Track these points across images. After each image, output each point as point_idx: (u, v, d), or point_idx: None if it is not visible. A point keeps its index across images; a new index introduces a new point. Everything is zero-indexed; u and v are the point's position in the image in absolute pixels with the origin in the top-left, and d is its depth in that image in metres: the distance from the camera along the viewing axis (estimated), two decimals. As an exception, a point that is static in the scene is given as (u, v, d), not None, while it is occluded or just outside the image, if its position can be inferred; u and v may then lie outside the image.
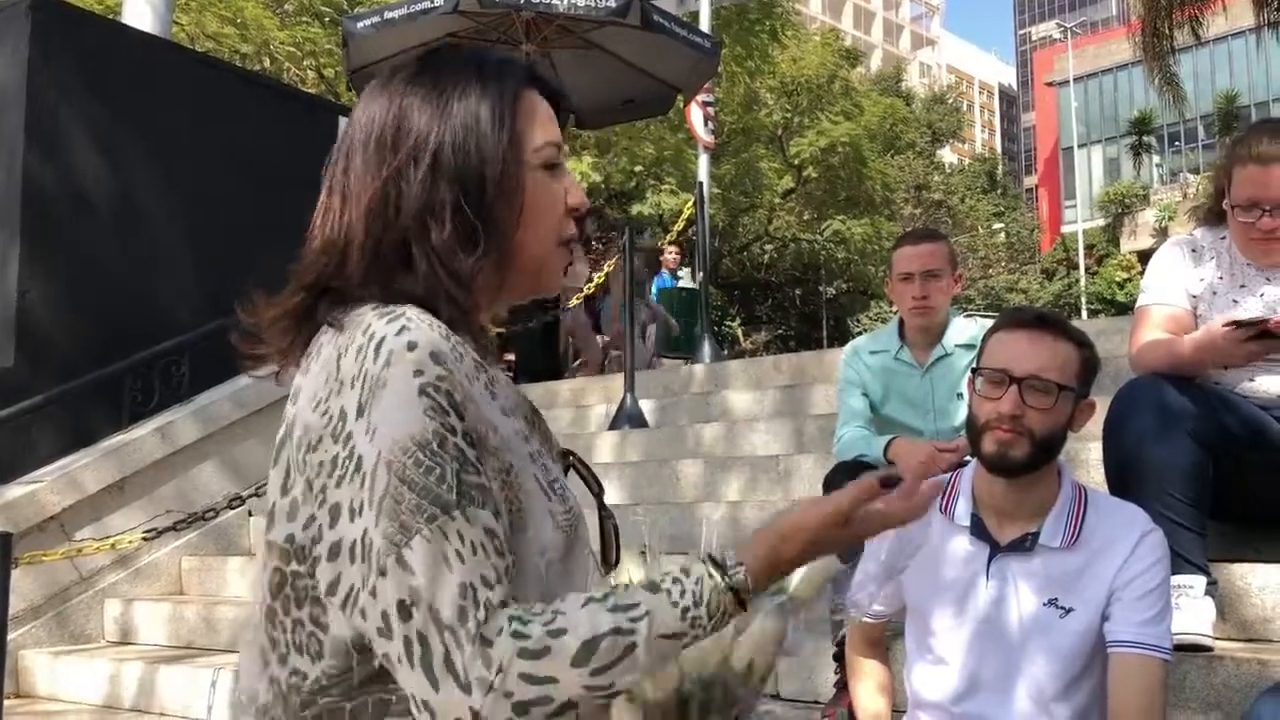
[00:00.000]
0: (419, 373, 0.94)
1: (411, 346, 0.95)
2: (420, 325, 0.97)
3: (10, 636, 3.51)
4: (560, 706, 0.89)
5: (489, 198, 1.05)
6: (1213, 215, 2.61)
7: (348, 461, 0.94)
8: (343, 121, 5.82)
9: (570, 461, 1.18)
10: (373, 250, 1.04)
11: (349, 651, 0.97)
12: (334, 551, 0.95)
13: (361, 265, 1.04)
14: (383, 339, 0.96)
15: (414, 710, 0.91)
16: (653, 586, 0.96)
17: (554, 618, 0.91)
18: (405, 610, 0.90)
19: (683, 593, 0.96)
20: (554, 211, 1.10)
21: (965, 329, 2.99)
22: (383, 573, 0.91)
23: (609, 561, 1.17)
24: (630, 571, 1.16)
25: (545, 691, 0.88)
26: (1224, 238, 2.57)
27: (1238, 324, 2.31)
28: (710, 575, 0.97)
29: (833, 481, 2.87)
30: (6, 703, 3.48)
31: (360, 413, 0.94)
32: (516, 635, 0.89)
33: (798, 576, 1.08)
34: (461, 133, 1.06)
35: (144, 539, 4.17)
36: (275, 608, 1.01)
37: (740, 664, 1.06)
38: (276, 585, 1.00)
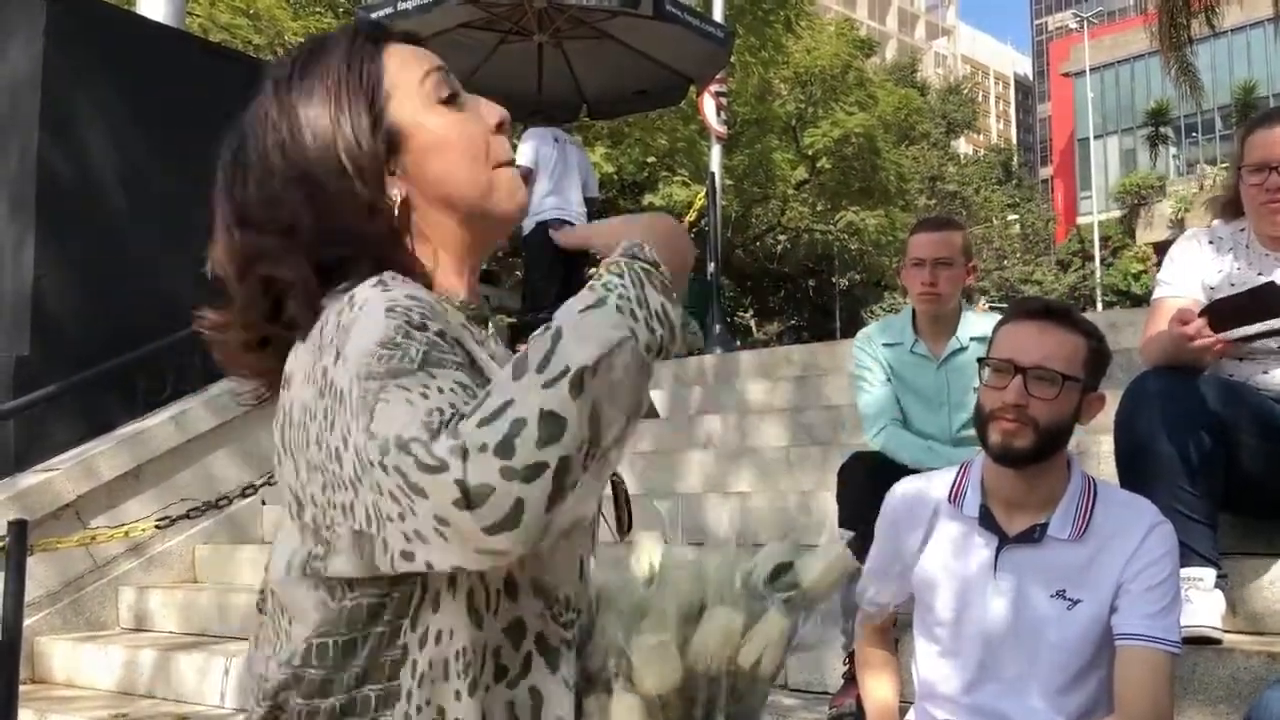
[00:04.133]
0: (390, 304, 0.92)
1: (385, 289, 0.94)
2: (395, 280, 0.96)
3: (26, 623, 3.54)
4: (540, 423, 0.80)
5: (374, 170, 1.03)
6: (1230, 207, 2.61)
7: (334, 403, 0.91)
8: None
9: (613, 488, 1.12)
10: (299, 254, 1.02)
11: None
12: (354, 486, 0.88)
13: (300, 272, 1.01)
14: (356, 293, 0.95)
15: (437, 538, 0.82)
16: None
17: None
18: (383, 468, 0.83)
19: (596, 278, 0.93)
20: (474, 139, 1.08)
21: (980, 322, 2.97)
22: (365, 463, 0.85)
23: (622, 527, 1.13)
24: (649, 552, 1.15)
25: (510, 416, 0.80)
26: (1243, 230, 2.56)
27: (1211, 315, 2.28)
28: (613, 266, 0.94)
29: (849, 471, 2.86)
30: (23, 688, 3.51)
31: (337, 357, 0.92)
32: (459, 416, 0.83)
33: (810, 572, 1.07)
34: (304, 122, 1.04)
35: (158, 527, 4.20)
36: (320, 599, 0.98)
37: (748, 661, 1.04)
38: (312, 577, 0.97)
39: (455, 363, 0.90)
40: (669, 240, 1.00)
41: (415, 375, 0.87)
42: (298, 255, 1.02)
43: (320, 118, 1.04)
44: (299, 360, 0.99)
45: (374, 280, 0.96)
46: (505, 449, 0.80)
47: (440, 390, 0.86)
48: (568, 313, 0.89)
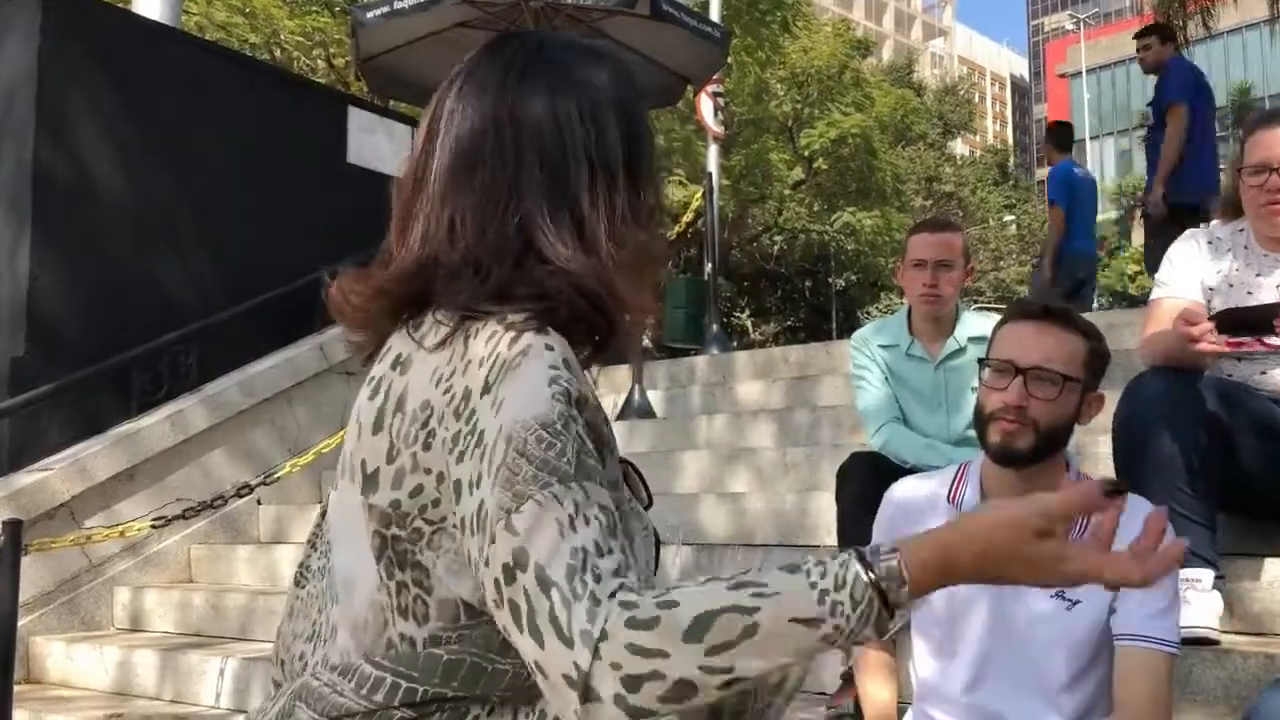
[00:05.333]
0: (553, 368, 0.94)
1: (549, 347, 0.96)
2: (557, 336, 0.98)
3: (21, 623, 3.53)
4: (674, 686, 0.82)
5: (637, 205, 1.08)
6: (1230, 208, 2.60)
7: (469, 437, 0.93)
8: (352, 111, 5.78)
9: (626, 470, 1.14)
10: (486, 253, 1.02)
11: (458, 611, 0.97)
12: (461, 525, 0.93)
13: (473, 268, 1.02)
14: (521, 333, 0.96)
15: (534, 675, 0.87)
16: (791, 568, 0.88)
17: (667, 592, 0.85)
18: (510, 572, 0.86)
19: (823, 574, 0.86)
20: (661, 255, 1.14)
21: (978, 323, 2.97)
22: (493, 539, 0.88)
23: (641, 502, 1.15)
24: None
25: (654, 666, 0.82)
26: (1241, 230, 2.56)
27: (1219, 320, 2.27)
28: (855, 562, 0.87)
29: (848, 471, 2.85)
30: (17, 689, 3.49)
31: (486, 390, 0.93)
32: (625, 605, 0.83)
33: None
34: (620, 131, 1.07)
35: (153, 527, 4.18)
36: (380, 571, 1.00)
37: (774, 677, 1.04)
38: (378, 549, 1.00)
39: (599, 472, 0.92)
40: (979, 560, 0.88)
41: (569, 487, 0.89)
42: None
43: (618, 130, 1.07)
44: (429, 357, 1.00)
45: (536, 323, 0.98)
46: (633, 686, 0.82)
47: (587, 520, 0.88)
48: (781, 608, 0.84)
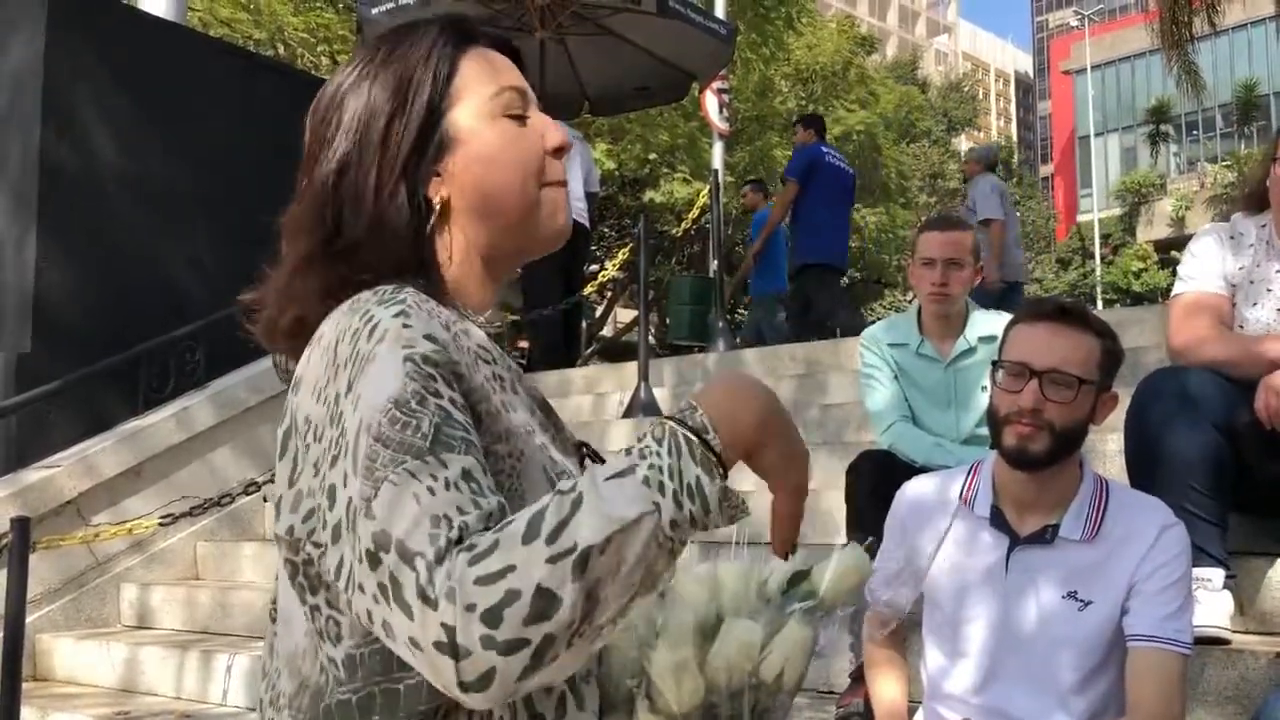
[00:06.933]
0: (408, 346, 0.92)
1: (406, 325, 0.93)
2: (419, 310, 0.95)
3: (28, 620, 3.53)
4: (533, 599, 0.79)
5: (414, 163, 1.05)
6: (1254, 200, 2.58)
7: (340, 440, 0.91)
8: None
9: (585, 454, 1.14)
10: (326, 236, 1.04)
11: (366, 631, 0.93)
12: (334, 535, 0.90)
13: (323, 248, 1.04)
14: (378, 321, 0.94)
15: (408, 656, 0.84)
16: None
17: (501, 523, 0.84)
18: (374, 558, 0.83)
19: (637, 440, 0.88)
20: (528, 157, 1.09)
21: (988, 321, 2.95)
22: (356, 533, 0.86)
23: None
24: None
25: (506, 585, 0.79)
26: (1265, 225, 2.54)
27: None
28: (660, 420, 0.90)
29: (857, 469, 2.85)
30: (24, 686, 3.50)
31: (349, 389, 0.91)
32: (467, 548, 0.82)
33: (827, 579, 1.05)
34: (383, 101, 1.06)
35: (160, 524, 4.19)
36: (297, 598, 0.99)
37: (770, 674, 1.01)
38: (290, 575, 0.99)
39: (465, 441, 0.89)
40: (730, 397, 0.93)
41: (425, 461, 0.86)
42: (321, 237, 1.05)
43: (382, 100, 1.06)
44: (311, 366, 0.98)
45: (394, 303, 0.96)
46: (492, 618, 0.79)
47: (448, 485, 0.85)
48: (593, 478, 0.85)
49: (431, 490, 0.85)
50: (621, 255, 7.10)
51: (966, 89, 47.95)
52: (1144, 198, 40.60)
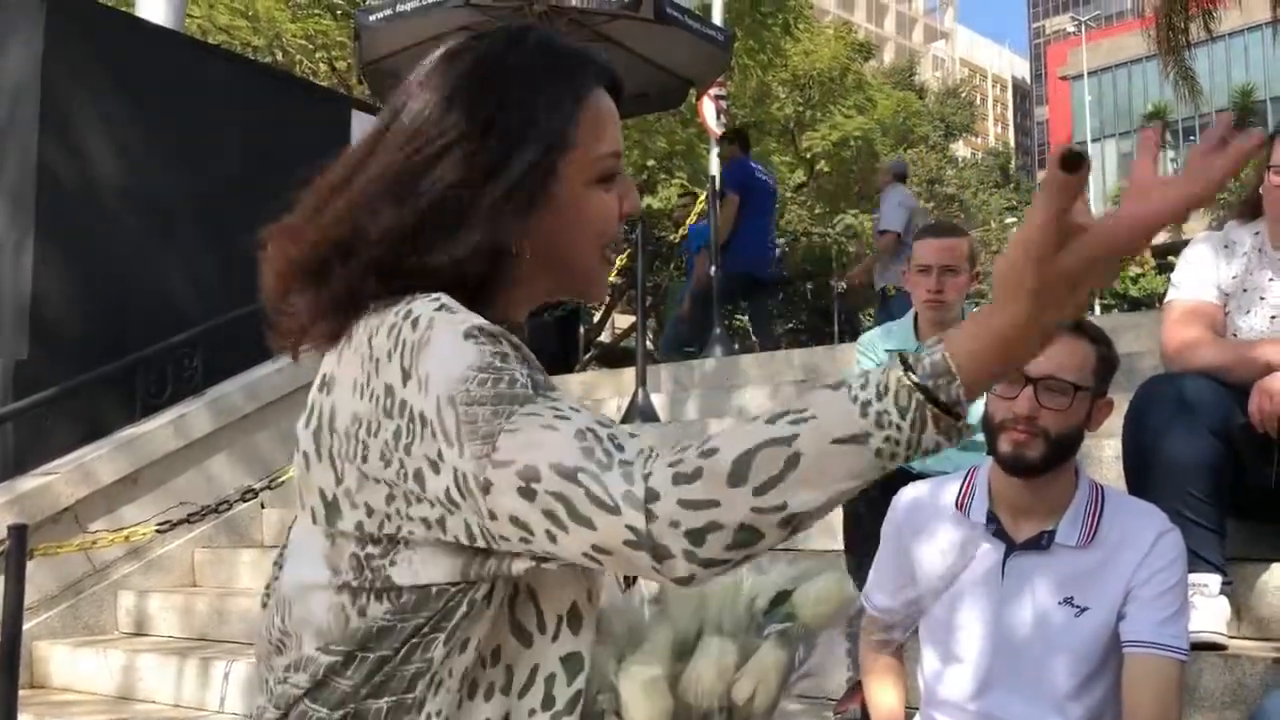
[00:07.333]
0: (463, 323, 0.90)
1: (451, 311, 0.92)
2: (458, 305, 0.94)
3: (25, 627, 3.53)
4: (736, 532, 0.79)
5: (519, 199, 1.00)
6: (1248, 208, 2.58)
7: (411, 425, 0.88)
8: (355, 114, 5.77)
9: None
10: (391, 234, 0.99)
11: (425, 593, 0.93)
12: (435, 508, 0.88)
13: (378, 246, 0.99)
14: (420, 314, 0.92)
15: (601, 564, 0.83)
16: (835, 385, 0.82)
17: (706, 440, 0.81)
18: (528, 493, 0.81)
19: (864, 385, 0.81)
20: (607, 227, 1.07)
21: None
22: (487, 488, 0.83)
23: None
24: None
25: (710, 517, 0.78)
26: (1258, 233, 2.55)
27: None
28: (897, 366, 0.81)
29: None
30: (21, 693, 3.49)
31: (406, 378, 0.89)
32: (669, 463, 0.80)
33: (809, 601, 1.04)
34: (516, 121, 1.00)
35: (157, 531, 4.18)
36: (352, 585, 0.96)
37: (742, 696, 1.00)
38: (355, 568, 0.95)
39: (559, 391, 0.89)
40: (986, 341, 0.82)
41: (536, 401, 0.85)
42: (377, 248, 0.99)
43: (504, 127, 1.00)
44: (344, 366, 0.97)
45: (430, 298, 0.94)
46: (697, 539, 0.79)
47: (576, 410, 0.85)
48: (820, 430, 0.80)
49: (560, 416, 0.84)
50: (620, 261, 7.10)
51: (964, 95, 47.98)
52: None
